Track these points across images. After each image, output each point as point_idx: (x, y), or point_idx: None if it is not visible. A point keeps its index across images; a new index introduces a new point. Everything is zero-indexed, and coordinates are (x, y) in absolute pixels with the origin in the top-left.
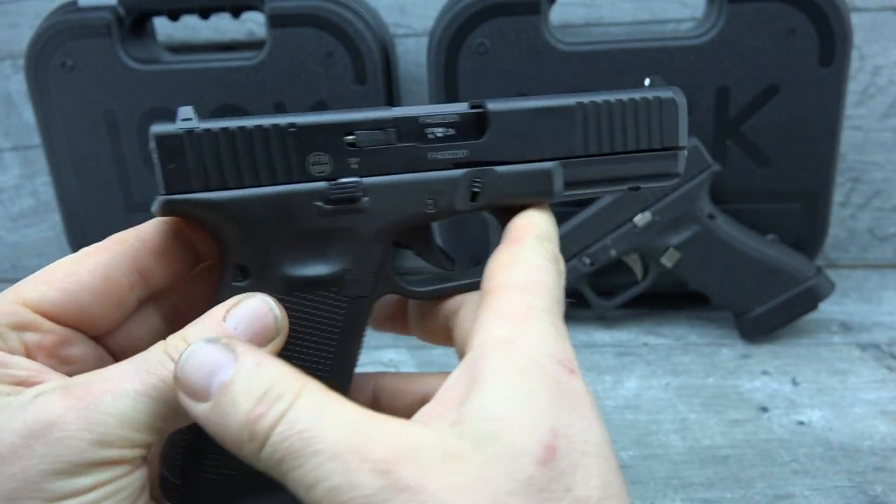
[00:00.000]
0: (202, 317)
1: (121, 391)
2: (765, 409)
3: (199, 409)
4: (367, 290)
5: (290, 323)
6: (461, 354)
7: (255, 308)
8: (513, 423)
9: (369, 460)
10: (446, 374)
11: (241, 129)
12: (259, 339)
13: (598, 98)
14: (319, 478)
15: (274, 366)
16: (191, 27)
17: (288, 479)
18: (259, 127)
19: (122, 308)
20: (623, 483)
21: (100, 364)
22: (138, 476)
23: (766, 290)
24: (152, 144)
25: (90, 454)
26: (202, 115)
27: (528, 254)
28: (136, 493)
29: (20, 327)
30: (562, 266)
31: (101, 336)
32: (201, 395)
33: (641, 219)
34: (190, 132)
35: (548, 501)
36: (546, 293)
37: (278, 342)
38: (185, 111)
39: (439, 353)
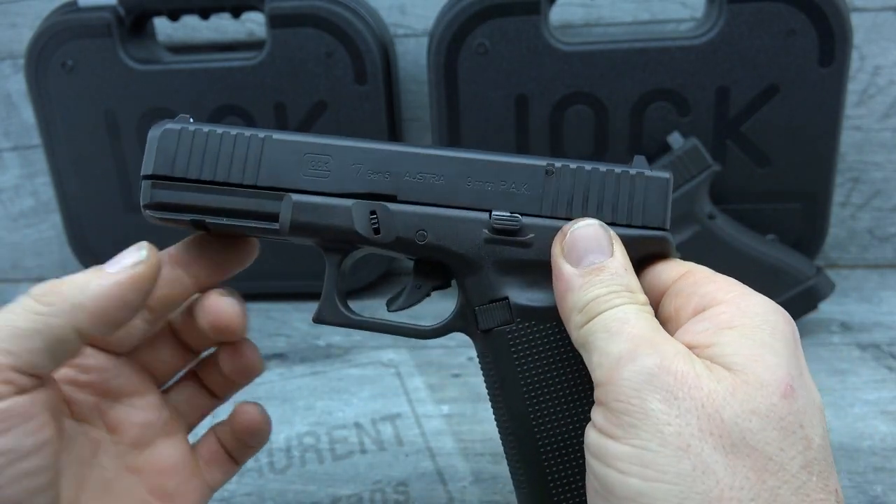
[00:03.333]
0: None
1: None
2: None
3: (567, 268)
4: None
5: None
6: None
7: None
8: (759, 362)
9: (653, 348)
10: None
11: None
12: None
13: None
14: (616, 348)
15: (630, 276)
16: (191, 27)
17: (593, 346)
18: None
19: (123, 318)
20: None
21: (117, 371)
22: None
23: (766, 290)
24: None
25: None
26: (200, 115)
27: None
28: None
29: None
30: None
31: (129, 353)
32: (575, 258)
33: None
34: None
35: (784, 430)
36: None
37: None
38: None
39: (439, 353)
